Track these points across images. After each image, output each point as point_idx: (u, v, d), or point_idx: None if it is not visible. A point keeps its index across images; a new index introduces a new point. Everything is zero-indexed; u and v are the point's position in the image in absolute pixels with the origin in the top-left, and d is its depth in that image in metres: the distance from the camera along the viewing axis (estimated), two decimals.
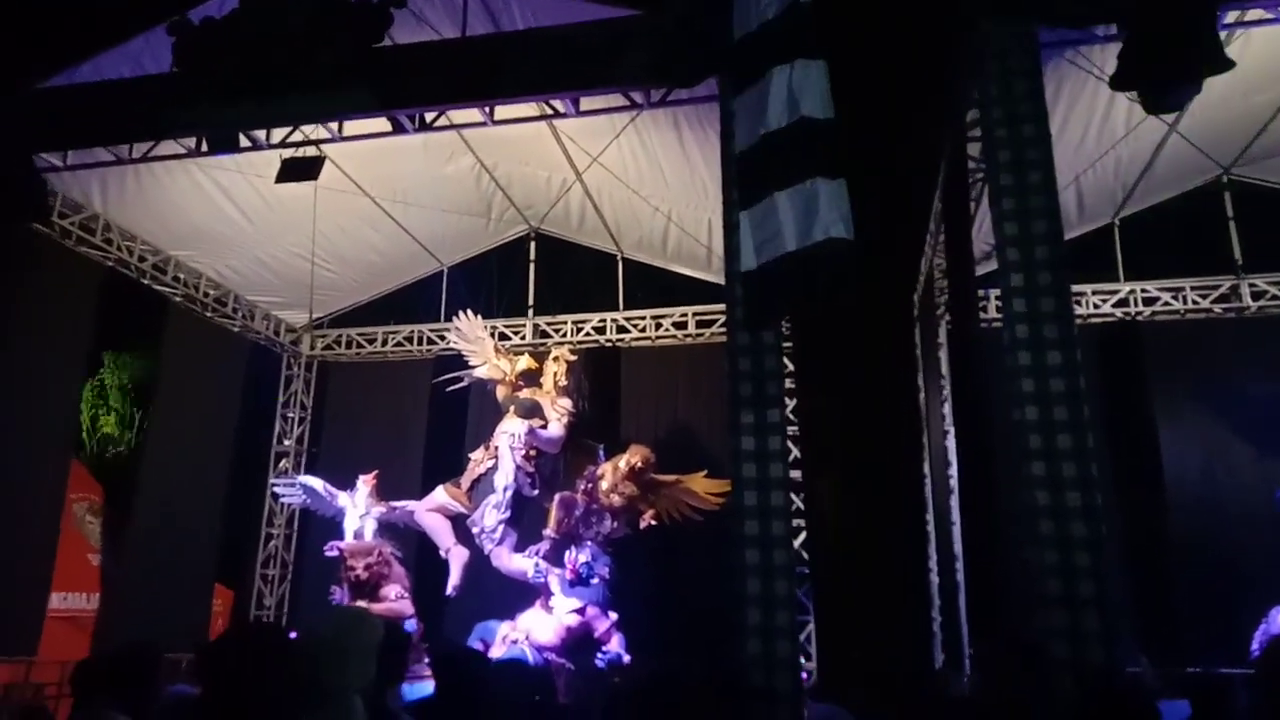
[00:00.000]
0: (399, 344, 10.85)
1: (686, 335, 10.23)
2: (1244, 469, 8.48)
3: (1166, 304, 8.95)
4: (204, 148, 7.19)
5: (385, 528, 8.86)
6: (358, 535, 8.39)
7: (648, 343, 10.36)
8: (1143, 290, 9.03)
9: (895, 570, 9.64)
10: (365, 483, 8.56)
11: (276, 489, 9.89)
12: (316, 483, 8.92)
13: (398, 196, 9.45)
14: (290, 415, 10.91)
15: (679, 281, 10.30)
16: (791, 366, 9.75)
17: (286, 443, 10.82)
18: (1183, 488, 8.62)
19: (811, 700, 5.69)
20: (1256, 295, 8.74)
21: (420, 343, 10.75)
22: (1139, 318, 9.04)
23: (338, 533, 8.79)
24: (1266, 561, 7.01)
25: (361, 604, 7.41)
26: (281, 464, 10.67)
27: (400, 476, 9.81)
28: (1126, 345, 9.06)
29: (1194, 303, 8.88)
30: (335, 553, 7.97)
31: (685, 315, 10.22)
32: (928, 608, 9.06)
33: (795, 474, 7.75)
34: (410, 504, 8.79)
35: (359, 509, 8.45)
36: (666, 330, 10.30)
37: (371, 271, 10.56)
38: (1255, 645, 6.44)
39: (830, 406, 10.82)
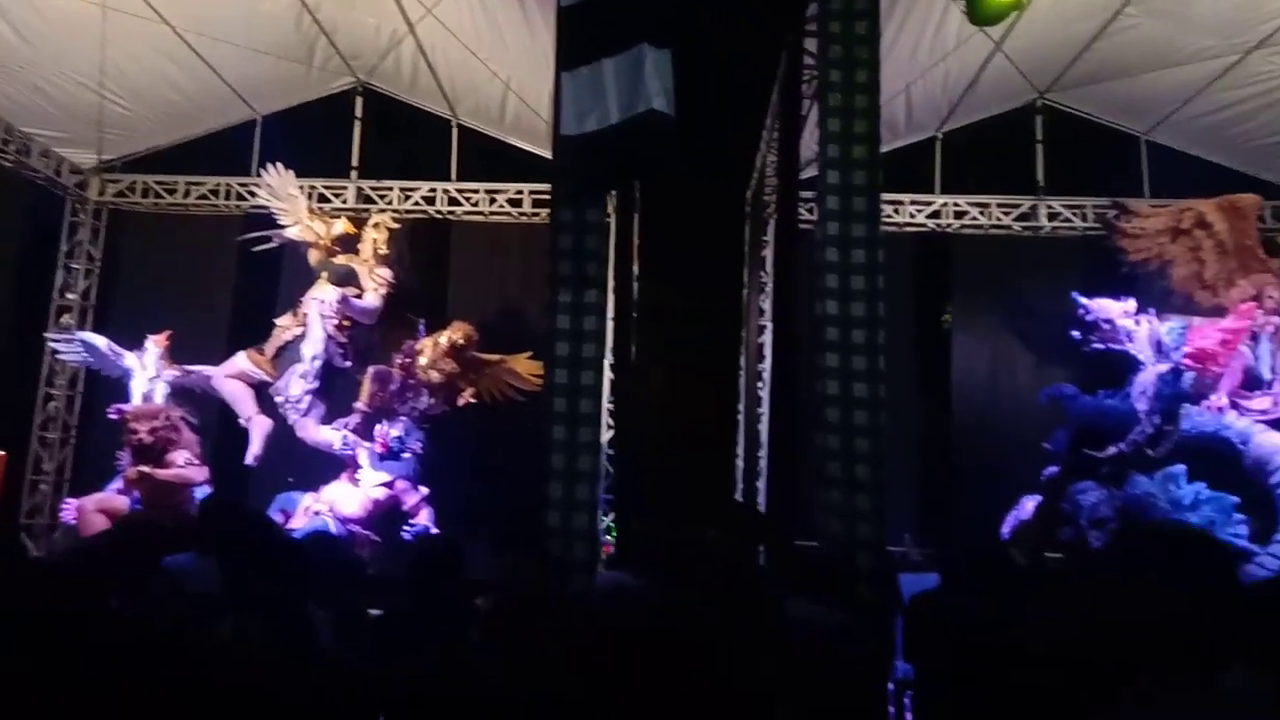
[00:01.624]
0: (203, 196, 9.92)
1: (522, 214, 9.93)
2: (1024, 375, 9.29)
3: (974, 219, 9.49)
4: None
5: (180, 393, 8.33)
6: (147, 399, 7.83)
7: (480, 218, 9.98)
8: (955, 204, 9.51)
9: (702, 454, 10.11)
10: (156, 344, 7.95)
11: (55, 345, 9.00)
12: (100, 340, 8.19)
13: (203, 29, 8.45)
14: (76, 267, 9.85)
15: (517, 155, 9.88)
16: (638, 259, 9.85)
17: (71, 296, 9.80)
18: (970, 388, 9.36)
19: (604, 569, 5.91)
20: (1052, 216, 9.40)
21: (228, 196, 9.87)
22: (949, 230, 9.54)
23: (127, 396, 8.18)
24: (1032, 456, 7.75)
25: (146, 469, 6.98)
26: (64, 319, 9.69)
27: (204, 340, 9.17)
28: (935, 255, 9.58)
29: (997, 219, 9.46)
30: (118, 416, 7.41)
31: (521, 192, 9.88)
32: (730, 490, 9.59)
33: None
34: (207, 369, 8.26)
35: (148, 371, 7.86)
36: (501, 206, 9.95)
37: (172, 113, 9.49)
38: (1005, 529, 7.22)
39: (661, 295, 11.01)
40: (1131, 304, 7.50)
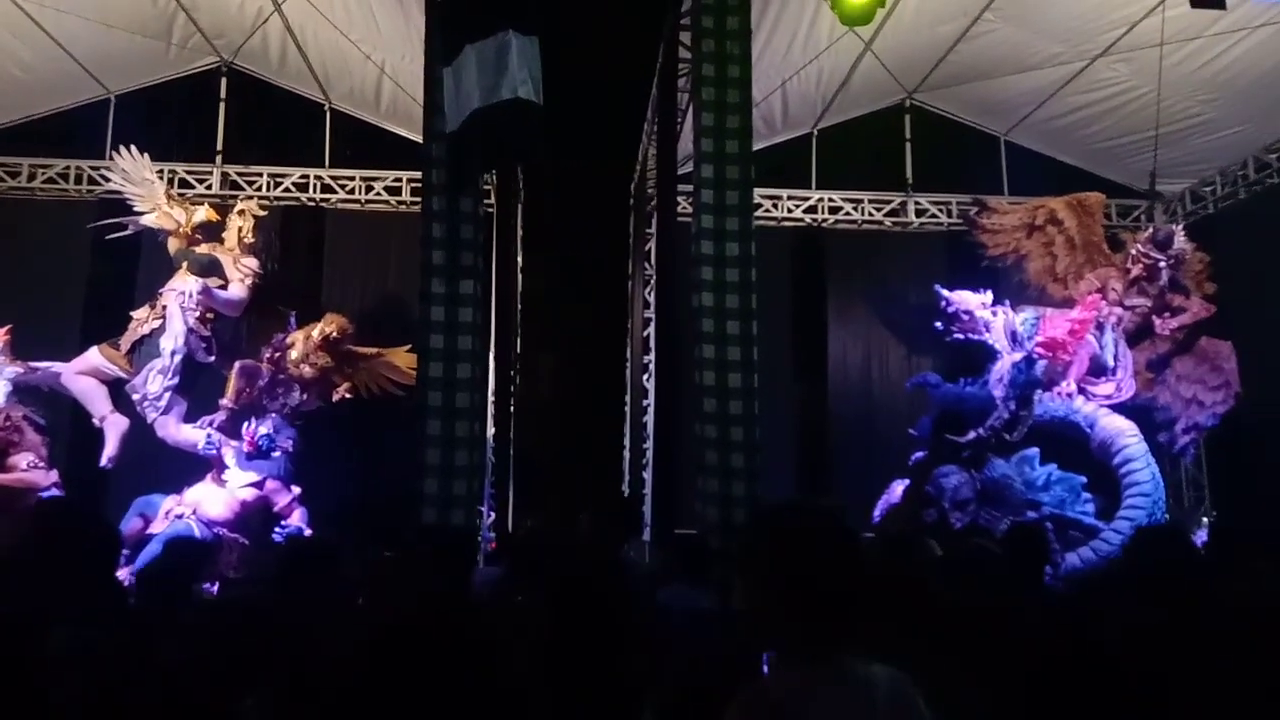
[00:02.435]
0: (51, 180, 9.22)
1: (400, 202, 9.66)
2: (895, 364, 9.69)
3: (848, 214, 9.81)
4: None
5: (26, 391, 7.73)
6: None
7: (356, 206, 9.66)
8: (829, 199, 9.80)
9: (591, 445, 10.11)
10: None
11: None
12: None
13: (46, 1, 7.85)
14: None
15: (394, 142, 9.60)
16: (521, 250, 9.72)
17: None
18: (844, 378, 9.70)
19: (485, 564, 5.84)
20: (920, 212, 9.81)
21: (79, 181, 9.21)
22: (824, 224, 9.83)
23: None
24: (902, 442, 8.08)
25: None
26: None
27: (54, 334, 8.55)
28: (811, 249, 9.86)
29: (870, 215, 9.81)
30: None
31: (400, 180, 9.61)
32: (617, 481, 9.65)
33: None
34: (57, 365, 7.71)
35: None
36: (378, 194, 9.65)
37: (15, 89, 8.77)
38: (877, 512, 7.51)
39: (547, 288, 10.92)
40: (989, 296, 7.91)
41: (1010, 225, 8.54)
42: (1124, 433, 7.50)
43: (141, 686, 2.26)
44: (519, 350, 9.82)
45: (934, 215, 9.80)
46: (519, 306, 9.59)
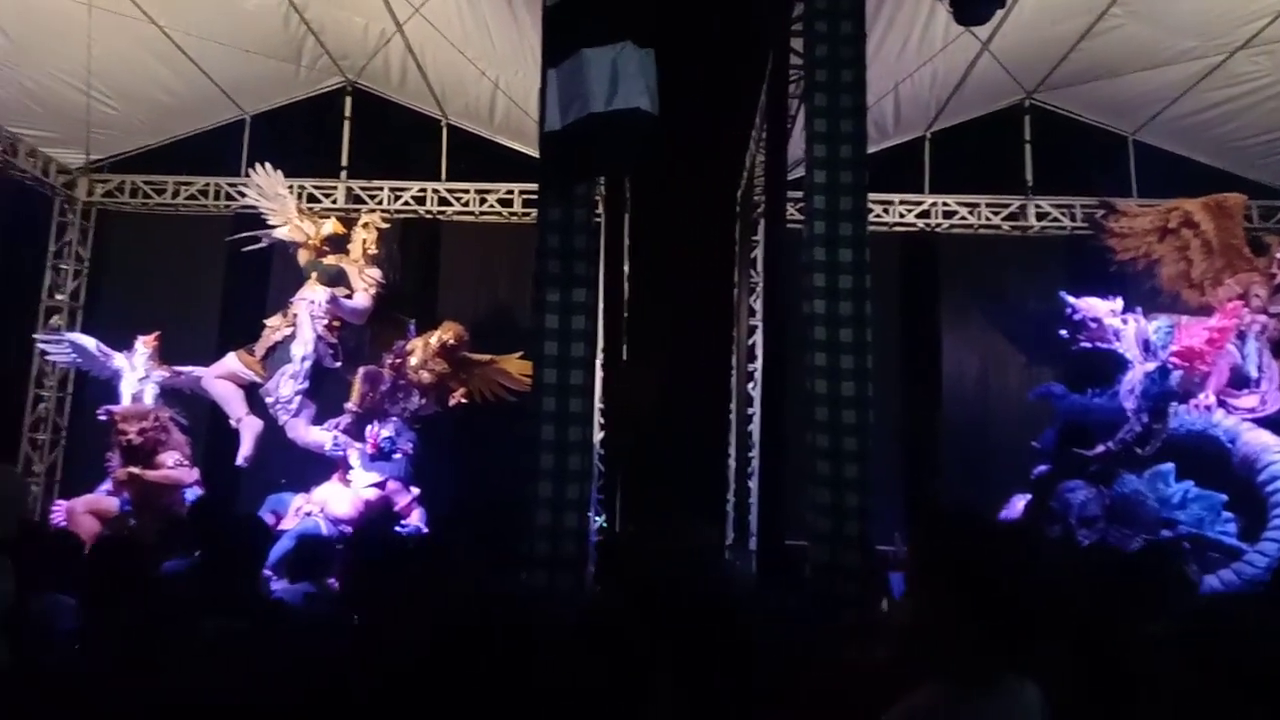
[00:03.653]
0: (192, 197, 9.89)
1: (512, 214, 9.92)
2: (1012, 374, 9.34)
3: (963, 218, 9.52)
4: None
5: (170, 394, 8.31)
6: (136, 400, 7.81)
7: (470, 218, 9.98)
8: (943, 203, 9.54)
9: (696, 454, 10.11)
10: (145, 344, 7.92)
11: (44, 346, 8.97)
12: (89, 341, 8.16)
13: (191, 29, 8.43)
14: (64, 267, 9.82)
15: (506, 155, 9.88)
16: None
17: (59, 297, 9.77)
18: (959, 387, 9.40)
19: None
20: (1041, 216, 9.44)
21: (217, 197, 9.85)
22: (938, 229, 9.57)
23: (116, 397, 8.15)
24: (1022, 455, 7.78)
25: (136, 470, 6.97)
26: (53, 320, 9.65)
27: (193, 341, 9.15)
28: (924, 254, 9.60)
29: (986, 219, 9.49)
30: (107, 417, 7.39)
31: (511, 192, 9.88)
32: (723, 490, 9.61)
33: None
34: (197, 370, 8.24)
35: (137, 372, 7.84)
36: (491, 206, 9.95)
37: (161, 112, 9.46)
38: None
39: (652, 295, 11.01)
40: (1119, 303, 7.53)
41: (1141, 228, 8.10)
42: (1270, 448, 6.99)
43: (282, 676, 2.39)
44: (626, 358, 9.91)
45: (1056, 219, 9.41)
46: (625, 315, 9.69)
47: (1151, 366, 7.04)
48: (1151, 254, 8.07)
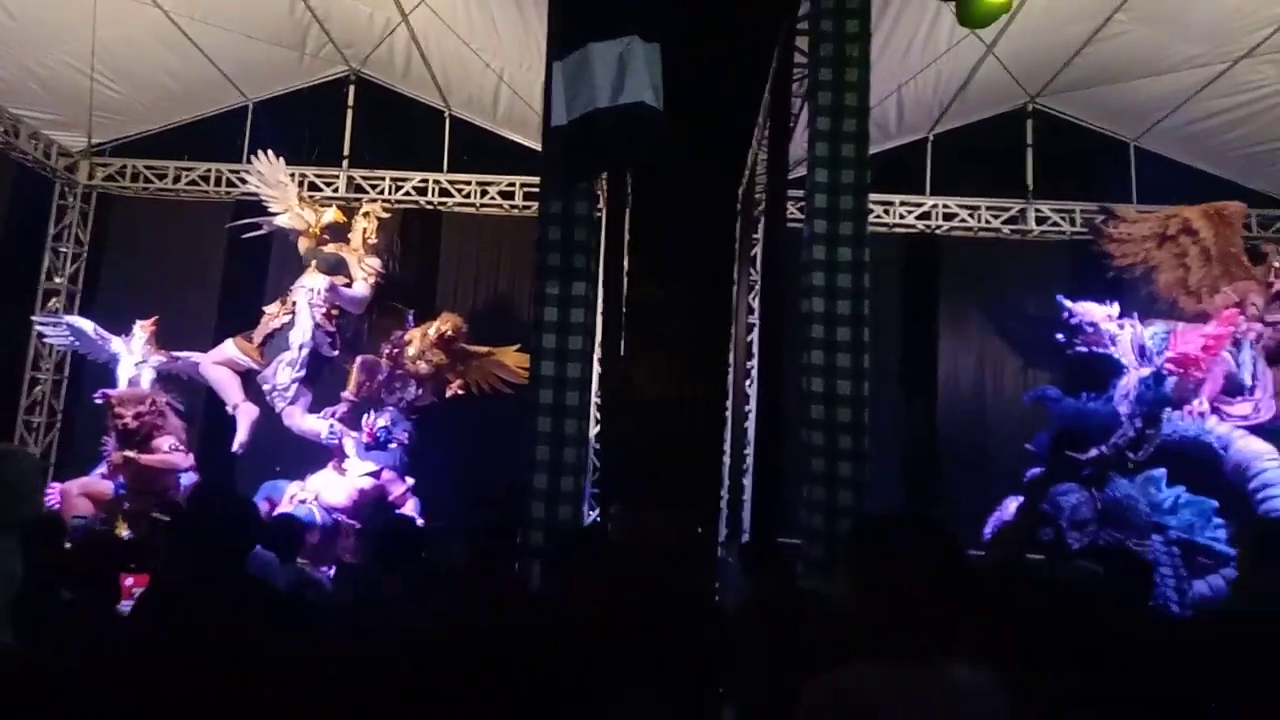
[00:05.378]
0: (193, 182, 9.88)
1: (514, 206, 9.93)
2: (1009, 377, 9.37)
3: (963, 221, 9.54)
4: None
5: (168, 379, 8.31)
6: (133, 384, 7.81)
7: (471, 210, 9.98)
8: (944, 206, 9.55)
9: (691, 450, 10.13)
10: (143, 329, 7.93)
11: (41, 329, 8.96)
12: (86, 325, 8.16)
13: (196, 14, 8.41)
14: (63, 250, 9.82)
15: (509, 148, 9.88)
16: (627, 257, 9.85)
17: (58, 280, 9.76)
18: (956, 389, 9.43)
19: None
20: (1040, 220, 9.46)
21: (218, 183, 9.84)
22: (938, 231, 9.58)
23: (113, 380, 8.15)
24: (1015, 457, 7.81)
25: (131, 454, 6.97)
26: (51, 302, 9.65)
27: (192, 326, 9.17)
28: (924, 256, 9.62)
29: (986, 222, 9.51)
30: (103, 400, 7.39)
31: (513, 185, 9.88)
32: (717, 486, 9.64)
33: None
34: (195, 355, 8.24)
35: (134, 356, 7.84)
36: (492, 199, 9.95)
37: (164, 97, 9.45)
38: (987, 530, 7.25)
39: (653, 292, 11.00)
40: (1115, 308, 7.55)
41: (1140, 235, 8.12)
42: (1262, 456, 7.02)
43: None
44: (624, 353, 9.93)
45: (1056, 223, 9.43)
46: (625, 309, 9.70)
47: (1146, 372, 7.07)
48: (1150, 260, 8.09)
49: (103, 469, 7.44)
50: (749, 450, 9.11)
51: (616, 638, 2.20)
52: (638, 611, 2.36)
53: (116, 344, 8.02)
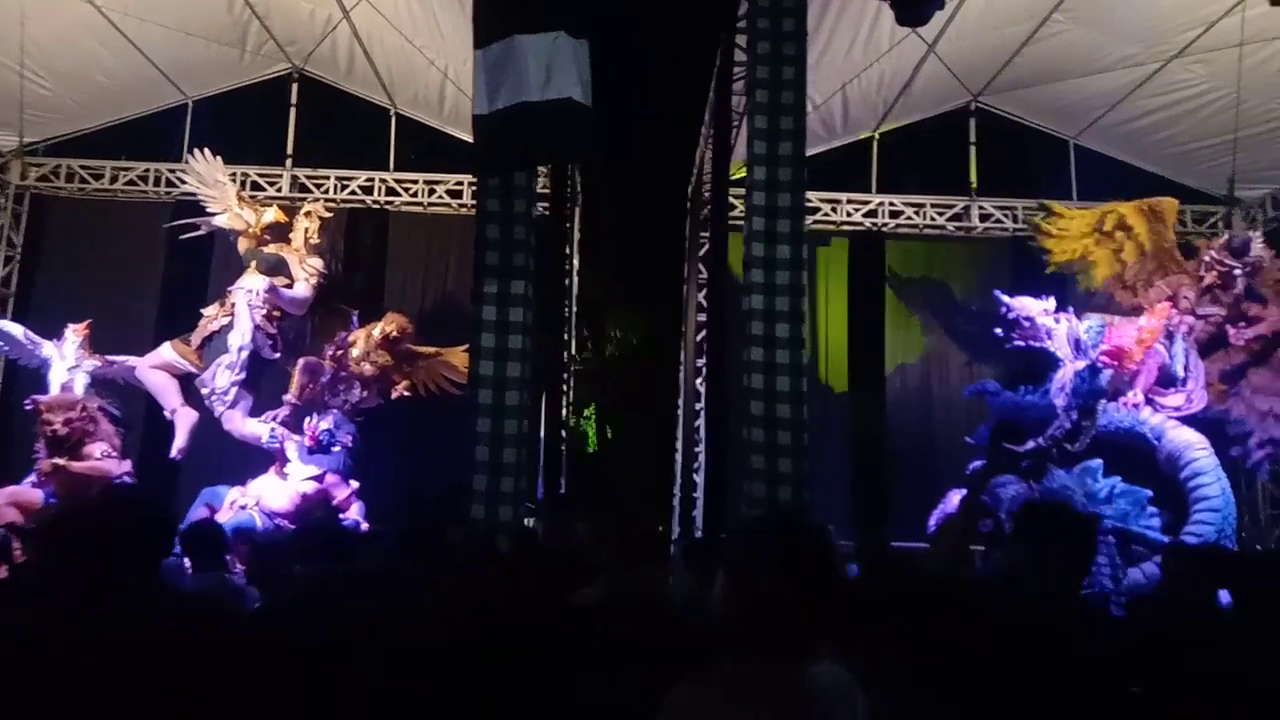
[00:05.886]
0: (131, 182, 9.65)
1: (461, 205, 9.83)
2: (955, 372, 9.50)
3: (909, 218, 9.65)
4: None
5: (104, 384, 8.09)
6: (66, 389, 7.60)
7: (419, 209, 9.88)
8: (890, 204, 9.66)
9: (644, 447, 10.11)
10: (75, 333, 7.71)
11: None
12: (15, 329, 7.93)
13: (130, 10, 8.23)
14: None
15: (456, 146, 9.77)
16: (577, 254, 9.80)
17: None
18: (902, 384, 9.55)
19: None
20: (984, 217, 9.60)
21: (157, 183, 9.62)
22: (884, 229, 9.69)
23: (46, 386, 7.93)
24: (961, 451, 7.92)
25: (61, 461, 6.79)
26: None
27: (131, 329, 8.93)
28: (870, 254, 9.71)
29: (932, 219, 9.64)
30: (32, 406, 7.18)
31: (461, 184, 9.78)
32: (670, 484, 9.65)
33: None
34: (130, 359, 8.04)
35: (67, 361, 7.63)
36: (440, 198, 9.85)
37: (99, 95, 9.21)
38: (931, 521, 7.35)
39: (604, 291, 10.96)
40: (1051, 302, 7.68)
41: (1077, 230, 8.26)
42: (1193, 445, 7.20)
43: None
44: (574, 353, 9.91)
45: (999, 220, 9.58)
46: (574, 309, 9.67)
47: (1082, 365, 7.19)
48: (1087, 255, 8.24)
49: (33, 478, 7.22)
50: (700, 448, 9.13)
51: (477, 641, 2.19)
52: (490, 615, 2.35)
53: (48, 349, 7.80)
